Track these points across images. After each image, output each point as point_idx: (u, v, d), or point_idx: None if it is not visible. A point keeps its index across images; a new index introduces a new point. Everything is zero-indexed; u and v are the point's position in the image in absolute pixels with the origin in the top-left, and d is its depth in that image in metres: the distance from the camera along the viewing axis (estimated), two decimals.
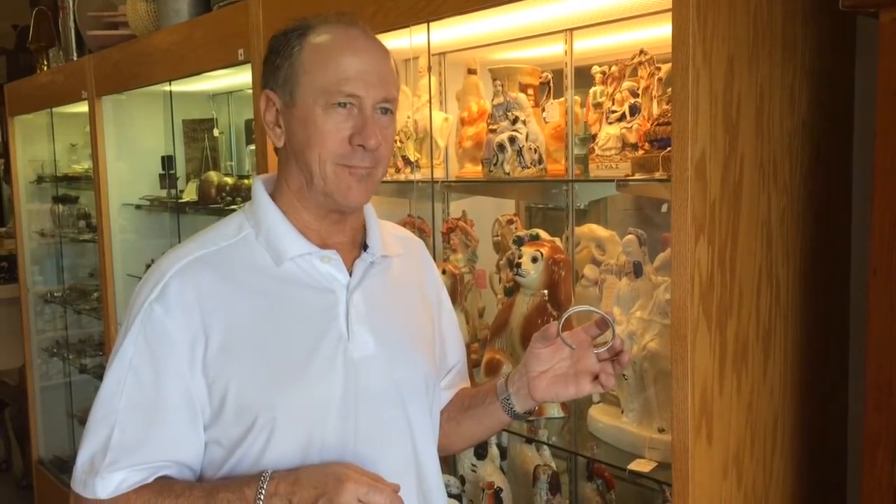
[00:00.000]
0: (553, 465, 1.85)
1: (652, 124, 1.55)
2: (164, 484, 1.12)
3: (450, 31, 1.86)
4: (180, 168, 3.23)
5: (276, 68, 1.17)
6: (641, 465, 1.51)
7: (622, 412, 1.63)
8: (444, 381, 1.38)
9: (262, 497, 1.04)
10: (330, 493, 1.01)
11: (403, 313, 1.28)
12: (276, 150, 1.22)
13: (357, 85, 1.13)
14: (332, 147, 1.13)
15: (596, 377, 1.20)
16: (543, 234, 1.84)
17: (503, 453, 1.95)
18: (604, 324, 1.19)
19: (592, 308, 1.26)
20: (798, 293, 1.50)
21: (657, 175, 1.46)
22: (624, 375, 1.57)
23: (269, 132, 1.20)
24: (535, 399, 1.25)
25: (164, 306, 1.12)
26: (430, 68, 1.99)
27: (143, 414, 1.12)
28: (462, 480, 1.94)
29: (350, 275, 1.20)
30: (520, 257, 1.75)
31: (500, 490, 1.84)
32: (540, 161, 1.78)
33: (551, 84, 1.90)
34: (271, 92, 1.18)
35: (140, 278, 1.20)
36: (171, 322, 1.12)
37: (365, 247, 1.24)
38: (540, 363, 1.23)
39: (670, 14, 1.25)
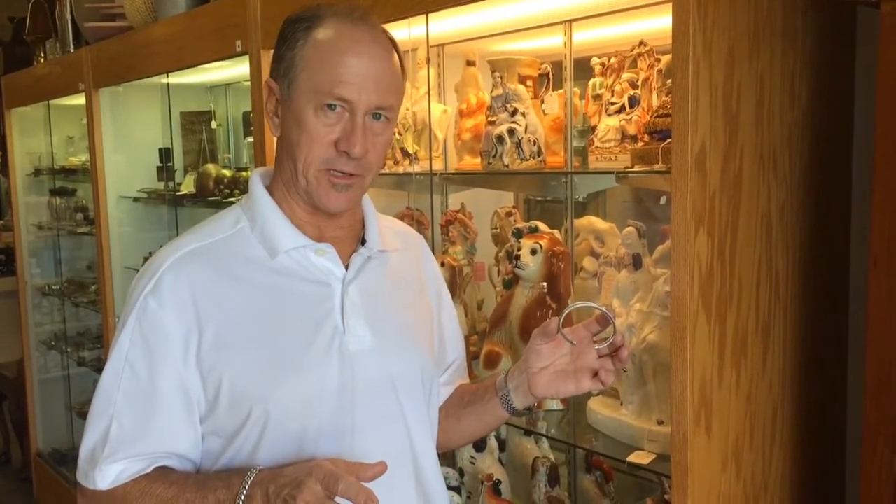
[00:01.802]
0: (552, 457, 1.85)
1: (651, 116, 1.54)
2: (160, 473, 1.13)
3: (448, 23, 1.85)
4: (178, 160, 3.23)
5: (280, 58, 1.15)
6: (640, 457, 1.51)
7: (621, 404, 1.63)
8: (442, 378, 1.38)
9: (246, 486, 1.04)
10: (299, 478, 0.99)
11: (401, 307, 1.27)
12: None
13: (350, 89, 1.10)
14: (318, 150, 1.12)
15: (595, 374, 1.20)
16: (542, 226, 1.84)
17: (502, 445, 1.95)
18: (604, 320, 1.18)
19: (593, 304, 1.26)
20: (798, 285, 1.49)
21: (657, 167, 1.45)
22: (623, 368, 1.56)
23: (268, 121, 1.19)
24: (535, 395, 1.25)
25: (158, 300, 1.12)
26: (428, 60, 1.98)
27: (139, 407, 1.12)
28: (461, 472, 1.94)
29: (346, 268, 1.20)
30: (519, 249, 1.74)
31: (499, 482, 1.84)
32: (539, 153, 1.78)
33: (550, 76, 1.89)
34: (272, 81, 1.17)
35: (138, 271, 1.20)
36: (165, 316, 1.12)
37: (363, 241, 1.24)
38: (540, 359, 1.22)
39: (670, 5, 1.24)
